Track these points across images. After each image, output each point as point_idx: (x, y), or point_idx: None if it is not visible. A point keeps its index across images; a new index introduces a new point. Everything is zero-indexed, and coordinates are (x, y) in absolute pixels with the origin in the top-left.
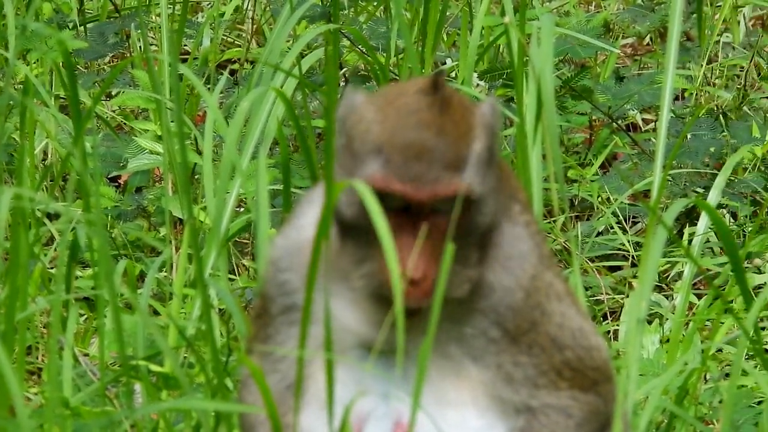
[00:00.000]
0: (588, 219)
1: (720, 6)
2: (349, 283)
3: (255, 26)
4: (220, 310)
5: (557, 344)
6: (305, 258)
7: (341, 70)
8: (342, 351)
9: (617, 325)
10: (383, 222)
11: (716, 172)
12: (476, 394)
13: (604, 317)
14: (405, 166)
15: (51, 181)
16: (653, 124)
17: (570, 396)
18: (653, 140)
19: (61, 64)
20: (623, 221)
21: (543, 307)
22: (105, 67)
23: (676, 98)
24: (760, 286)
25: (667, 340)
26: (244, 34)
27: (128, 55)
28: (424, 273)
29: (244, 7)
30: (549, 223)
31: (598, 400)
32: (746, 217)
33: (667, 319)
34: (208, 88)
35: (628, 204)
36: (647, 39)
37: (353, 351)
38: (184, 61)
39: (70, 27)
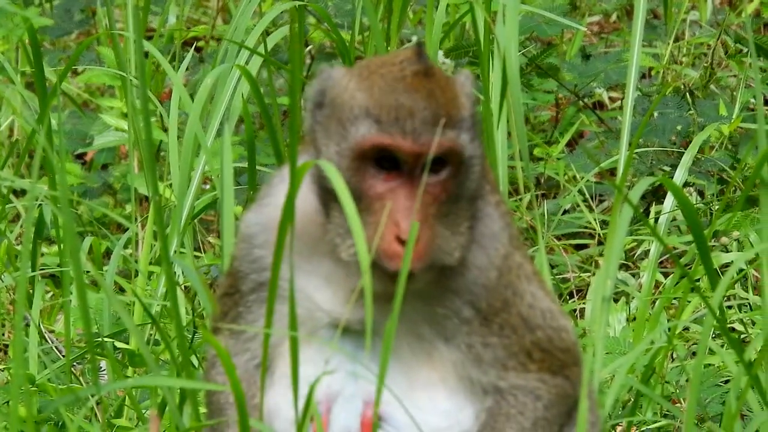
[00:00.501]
0: (554, 197)
1: None
2: (336, 255)
3: (220, 3)
4: (185, 287)
5: (528, 324)
6: (276, 234)
7: (306, 47)
8: (314, 330)
9: (583, 304)
10: (347, 194)
11: (683, 150)
12: (446, 375)
13: (570, 296)
14: (400, 124)
15: (17, 157)
16: (620, 102)
17: (538, 378)
18: (619, 118)
19: (26, 41)
20: (590, 199)
21: (515, 287)
22: (71, 44)
23: (643, 76)
24: (727, 264)
25: (634, 319)
26: (209, 12)
27: (94, 32)
28: (419, 235)
29: None
30: (515, 201)
31: (566, 384)
32: (713, 195)
33: (634, 297)
34: (174, 66)
35: (595, 182)
36: (614, 17)
37: (325, 330)
38: (150, 38)
39: (36, 4)
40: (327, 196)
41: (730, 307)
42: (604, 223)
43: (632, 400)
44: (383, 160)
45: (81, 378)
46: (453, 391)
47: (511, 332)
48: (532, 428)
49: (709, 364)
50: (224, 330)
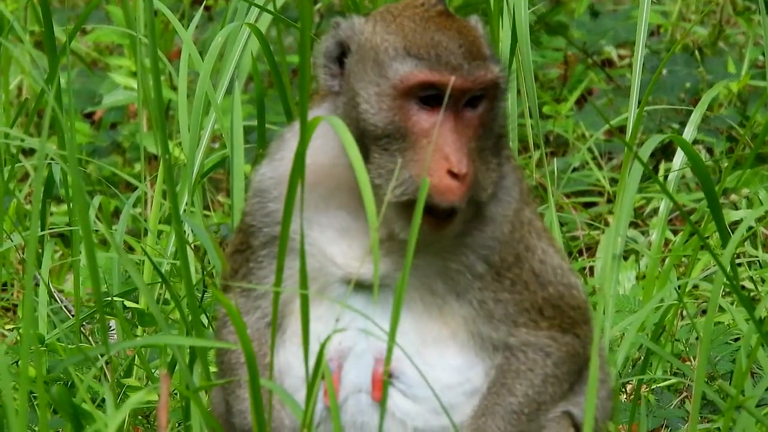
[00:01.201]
0: (564, 155)
1: None
2: (379, 196)
3: None
4: (195, 246)
5: (540, 280)
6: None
7: (316, 5)
8: (326, 285)
9: (593, 262)
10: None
11: (692, 108)
12: (457, 331)
13: (580, 253)
14: (443, 60)
15: (26, 117)
16: (628, 59)
17: (549, 336)
18: (628, 76)
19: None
20: (599, 157)
21: (527, 242)
22: (80, 2)
23: (652, 34)
24: (736, 222)
25: (644, 277)
26: None
27: None
28: (467, 168)
29: None
30: (525, 159)
31: (576, 342)
32: (722, 152)
33: (643, 255)
34: (183, 24)
35: (604, 140)
36: None
37: (337, 285)
38: None
39: None
40: (366, 139)
41: (740, 265)
42: (613, 181)
43: (642, 358)
44: (427, 97)
45: (90, 338)
46: (464, 348)
47: (523, 288)
48: (542, 385)
49: (719, 322)
50: (235, 288)
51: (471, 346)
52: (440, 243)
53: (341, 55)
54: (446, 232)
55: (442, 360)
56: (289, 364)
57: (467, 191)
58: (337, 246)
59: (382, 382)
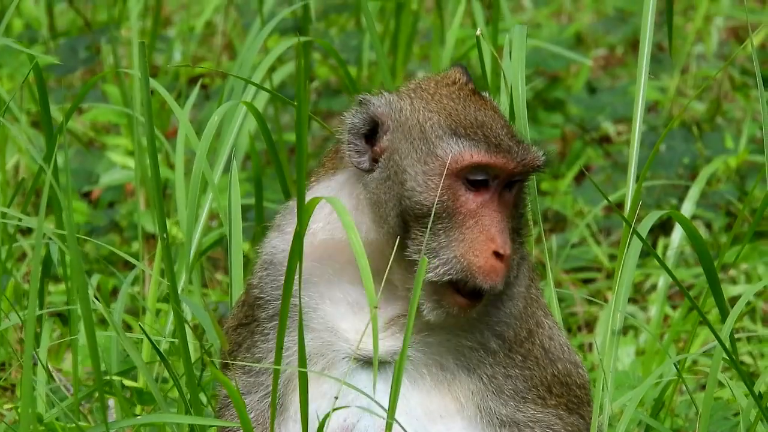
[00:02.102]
0: (562, 231)
1: (693, 17)
2: (413, 274)
3: (225, 40)
4: (193, 324)
5: (549, 356)
6: (306, 261)
7: (312, 83)
8: (334, 362)
9: (592, 338)
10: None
11: (690, 183)
12: (465, 406)
13: (579, 329)
14: (493, 142)
15: (23, 196)
16: (626, 135)
17: (556, 414)
18: (626, 152)
19: (32, 79)
20: (597, 233)
21: (537, 318)
22: (76, 82)
23: (649, 110)
24: (735, 297)
25: (643, 352)
26: (214, 48)
27: (99, 70)
28: (510, 249)
29: (215, 21)
30: None
31: (581, 423)
32: (721, 228)
33: (643, 331)
34: (180, 103)
35: (603, 216)
36: (619, 50)
37: (346, 361)
38: (155, 75)
39: (41, 42)
40: (407, 216)
41: (739, 340)
42: (612, 257)
43: None
44: (475, 178)
45: (89, 416)
46: (471, 423)
47: (533, 364)
48: None
49: (719, 397)
50: (235, 366)
51: (478, 422)
52: (458, 321)
53: (370, 131)
54: (473, 311)
55: None
56: None
57: (507, 272)
58: (348, 321)
59: None
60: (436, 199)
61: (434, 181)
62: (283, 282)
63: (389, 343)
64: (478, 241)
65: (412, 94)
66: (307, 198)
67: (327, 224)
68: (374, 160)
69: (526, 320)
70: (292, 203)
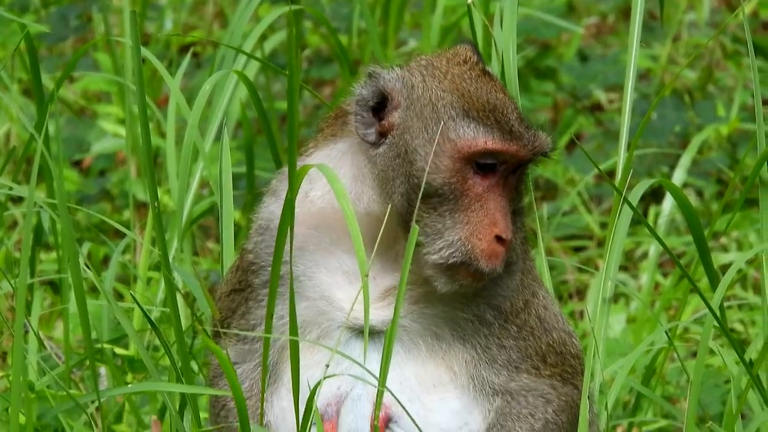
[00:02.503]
0: (553, 199)
1: None
2: (422, 257)
3: (217, 9)
4: (184, 292)
5: (544, 326)
6: (301, 228)
7: (304, 51)
8: (329, 330)
9: (583, 305)
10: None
11: (681, 151)
12: (458, 374)
13: (570, 297)
14: (505, 128)
15: (14, 164)
16: (618, 103)
17: (550, 384)
18: (618, 120)
19: (23, 47)
20: (588, 201)
21: (532, 289)
22: (67, 50)
23: (641, 78)
24: (726, 265)
25: (634, 320)
26: (206, 17)
27: (90, 38)
28: (512, 234)
29: None
30: None
31: (575, 394)
32: (712, 195)
33: (633, 298)
34: (171, 71)
35: (594, 184)
36: (611, 18)
37: (340, 330)
38: (147, 44)
39: (32, 11)
40: (413, 194)
41: (729, 307)
42: (603, 225)
43: (633, 400)
44: (485, 162)
45: (80, 384)
46: (463, 391)
47: (528, 334)
48: (543, 431)
49: (710, 365)
50: (230, 334)
51: (470, 390)
52: (458, 293)
53: (378, 105)
54: (483, 284)
55: (441, 404)
56: (284, 413)
57: (507, 256)
58: (344, 290)
59: (380, 428)
60: (445, 181)
61: (444, 163)
62: (271, 250)
63: (385, 314)
64: (482, 225)
65: (424, 72)
66: (305, 164)
67: (326, 192)
68: (381, 134)
69: (522, 291)
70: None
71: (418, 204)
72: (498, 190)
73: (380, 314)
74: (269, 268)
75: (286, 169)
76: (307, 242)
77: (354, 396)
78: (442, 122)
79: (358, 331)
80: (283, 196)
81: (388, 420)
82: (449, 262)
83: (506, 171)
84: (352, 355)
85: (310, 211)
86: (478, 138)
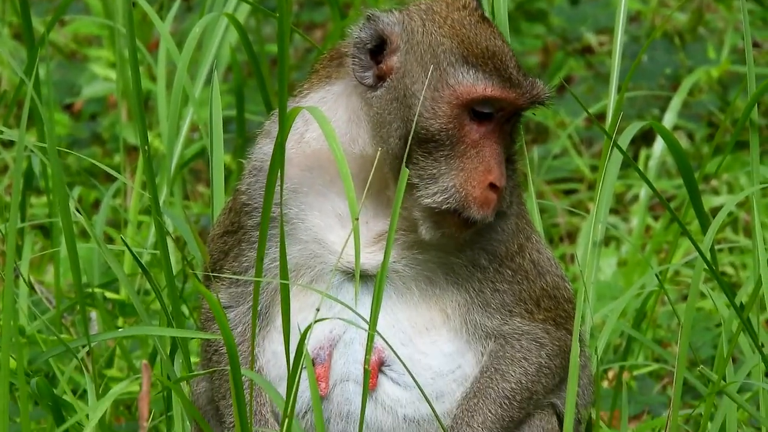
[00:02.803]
0: (544, 142)
1: None
2: (413, 201)
3: None
4: (175, 236)
5: (538, 269)
6: (295, 169)
7: None
8: (321, 273)
9: (574, 249)
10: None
11: (672, 94)
12: (451, 317)
13: (561, 240)
14: (504, 75)
15: (5, 108)
16: (608, 46)
17: (543, 328)
18: (608, 63)
19: None
20: (579, 144)
21: (526, 232)
22: None
23: (632, 20)
24: (717, 208)
25: (624, 263)
26: None
27: None
28: (505, 181)
29: None
30: None
31: (568, 338)
32: (702, 138)
33: (624, 242)
34: (161, 15)
35: (584, 127)
36: None
37: (332, 274)
38: None
39: None
40: (414, 138)
41: (720, 251)
42: (593, 168)
43: (624, 344)
44: (482, 110)
45: (71, 329)
46: (456, 334)
47: (523, 278)
48: (536, 374)
49: (700, 308)
50: (222, 277)
51: (463, 333)
52: (450, 241)
53: (376, 48)
54: (468, 234)
55: (434, 347)
56: (276, 356)
57: (499, 204)
58: (336, 233)
59: (372, 371)
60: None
61: (442, 109)
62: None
63: (378, 258)
64: (477, 172)
65: (424, 16)
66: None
67: (319, 135)
68: (378, 78)
69: (517, 235)
70: (289, 104)
71: (408, 146)
72: (494, 138)
73: (373, 258)
74: (261, 209)
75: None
76: (301, 184)
77: (346, 339)
78: (441, 68)
79: (351, 275)
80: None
81: (381, 363)
82: (442, 208)
83: (502, 118)
84: (345, 299)
85: (305, 152)
86: (477, 84)
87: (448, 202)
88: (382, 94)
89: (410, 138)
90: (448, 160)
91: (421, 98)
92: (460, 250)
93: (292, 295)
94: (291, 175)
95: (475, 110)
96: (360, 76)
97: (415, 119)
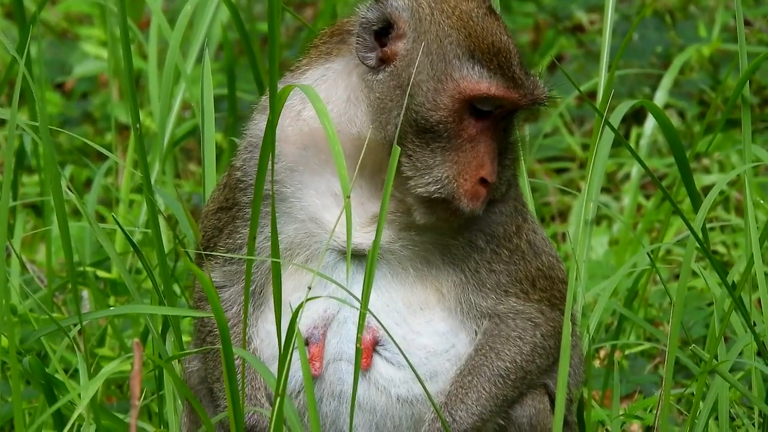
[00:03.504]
0: (535, 121)
1: None
2: (407, 187)
3: None
4: (167, 215)
5: (534, 249)
6: (291, 147)
7: None
8: (316, 252)
9: (565, 228)
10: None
11: (663, 72)
12: (446, 297)
13: (552, 219)
14: (508, 74)
15: None
16: (599, 24)
17: (538, 309)
18: (599, 41)
19: None
20: (570, 123)
21: (523, 213)
22: None
23: None
24: (708, 187)
25: (616, 242)
26: None
27: None
28: (496, 177)
29: None
30: None
31: (562, 319)
32: (694, 117)
33: (616, 220)
34: None
35: (575, 105)
36: None
37: (328, 252)
38: None
39: None
40: (408, 125)
41: (712, 229)
42: (585, 146)
43: (615, 323)
44: (483, 107)
45: (63, 308)
46: (450, 314)
47: (519, 258)
48: (531, 354)
49: (692, 287)
50: (217, 251)
51: (457, 313)
52: (446, 224)
53: (382, 30)
54: (461, 221)
55: (428, 326)
56: (270, 335)
57: (488, 198)
58: (332, 212)
59: (366, 351)
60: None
61: (444, 102)
62: (268, 165)
63: (368, 238)
64: (470, 167)
65: (433, 4)
66: (302, 82)
67: (315, 113)
68: (381, 61)
69: (515, 217)
70: (285, 78)
71: (399, 129)
72: (489, 134)
73: (368, 238)
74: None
75: (285, 78)
76: (297, 162)
77: (340, 319)
78: (447, 59)
79: (345, 254)
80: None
81: (376, 343)
82: (433, 196)
83: (500, 115)
84: (339, 278)
85: (302, 131)
86: (481, 82)
87: (440, 192)
88: (384, 78)
89: (399, 123)
90: (444, 151)
91: (425, 89)
92: (458, 231)
93: (287, 275)
94: (287, 152)
95: (476, 107)
96: (362, 56)
97: (420, 109)
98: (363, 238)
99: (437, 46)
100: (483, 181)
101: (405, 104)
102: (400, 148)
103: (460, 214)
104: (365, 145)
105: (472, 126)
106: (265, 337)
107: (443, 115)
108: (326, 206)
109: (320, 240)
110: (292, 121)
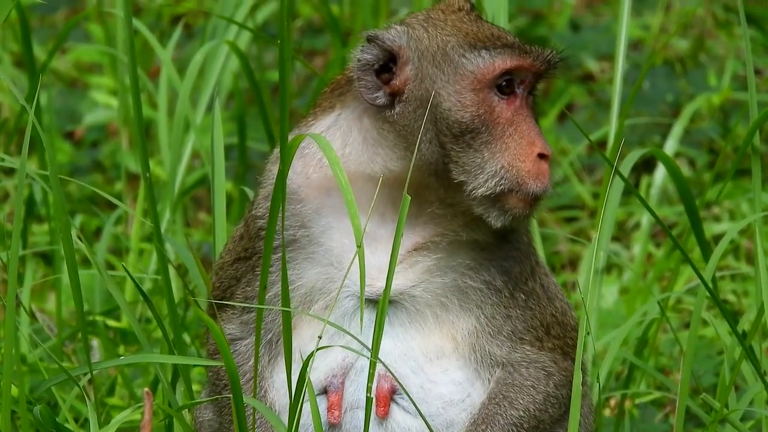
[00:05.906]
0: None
1: None
2: (459, 193)
3: None
4: (177, 264)
5: (548, 294)
6: (315, 192)
7: (295, 21)
8: (340, 299)
9: (575, 276)
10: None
11: (673, 121)
12: (461, 345)
13: (563, 268)
14: (513, 47)
15: (6, 136)
16: (610, 73)
17: (551, 358)
18: (609, 90)
19: (15, 18)
20: (580, 171)
21: (536, 256)
22: (59, 22)
23: (633, 47)
24: (718, 235)
25: (626, 291)
26: None
27: (82, 9)
28: (550, 148)
29: None
30: None
31: (574, 368)
32: (704, 165)
33: (626, 269)
34: (162, 42)
35: (586, 154)
36: None
37: (349, 299)
38: (138, 14)
39: None
40: (444, 138)
41: (722, 278)
42: (595, 195)
43: (625, 372)
44: (502, 86)
45: (73, 357)
46: (465, 362)
47: (535, 303)
48: (544, 403)
49: (703, 336)
50: (234, 300)
51: (472, 361)
52: (465, 257)
53: (381, 68)
54: (534, 213)
55: (444, 375)
56: (284, 384)
57: (553, 172)
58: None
59: (383, 399)
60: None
61: (469, 98)
62: (289, 214)
63: (398, 281)
64: (521, 147)
65: (425, 24)
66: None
67: (340, 157)
68: (391, 95)
69: (529, 257)
70: (301, 125)
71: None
72: (524, 111)
73: (393, 281)
74: (278, 235)
75: (301, 123)
76: (323, 206)
77: (358, 367)
78: (454, 63)
79: (367, 300)
80: (297, 155)
81: (393, 392)
82: (497, 190)
83: (525, 91)
84: (360, 325)
85: (327, 175)
86: (494, 62)
87: (502, 184)
88: (402, 108)
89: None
90: (489, 145)
91: (446, 94)
92: (477, 271)
93: (305, 323)
94: (312, 197)
95: (499, 87)
96: (370, 99)
97: (449, 114)
98: (383, 282)
99: (441, 55)
100: (541, 156)
101: (431, 117)
102: (410, 197)
103: (534, 199)
104: (378, 184)
105: (505, 109)
106: (280, 387)
107: (474, 110)
108: (349, 249)
109: (343, 285)
110: (316, 167)
